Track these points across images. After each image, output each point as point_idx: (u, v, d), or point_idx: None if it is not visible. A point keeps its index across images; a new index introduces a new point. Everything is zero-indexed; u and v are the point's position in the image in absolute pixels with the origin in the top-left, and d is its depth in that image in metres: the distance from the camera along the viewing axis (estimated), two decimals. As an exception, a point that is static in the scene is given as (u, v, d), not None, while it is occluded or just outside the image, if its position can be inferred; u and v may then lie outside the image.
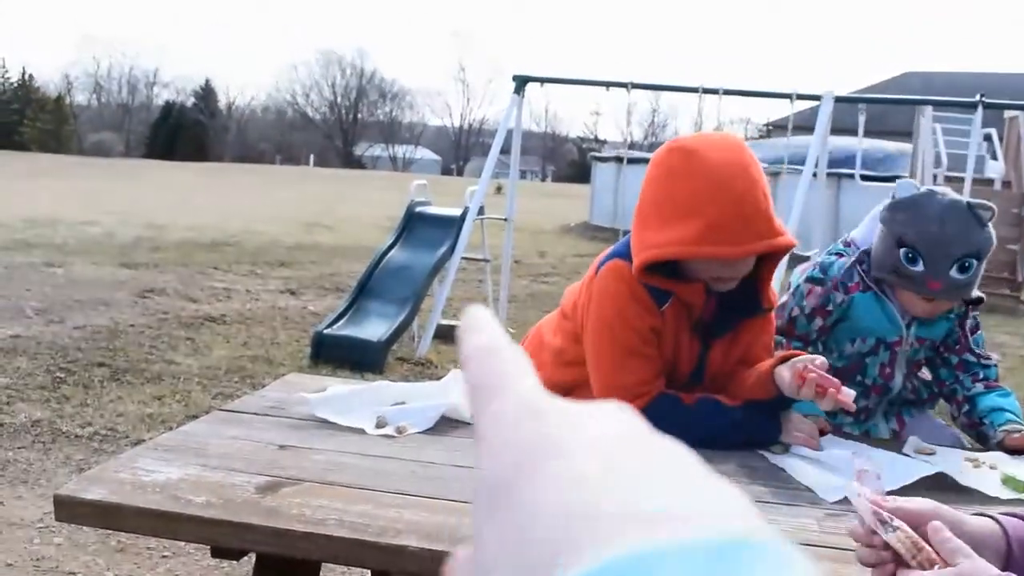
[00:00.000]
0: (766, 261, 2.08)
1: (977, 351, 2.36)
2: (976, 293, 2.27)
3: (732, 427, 1.97)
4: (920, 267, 2.17)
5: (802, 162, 6.91)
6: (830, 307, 2.31)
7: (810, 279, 2.34)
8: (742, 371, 2.14)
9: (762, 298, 2.13)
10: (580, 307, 2.14)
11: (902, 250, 2.19)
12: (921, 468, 1.81)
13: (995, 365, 2.39)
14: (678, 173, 1.96)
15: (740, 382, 2.11)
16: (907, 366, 2.37)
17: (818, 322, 2.33)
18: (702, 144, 1.98)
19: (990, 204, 2.18)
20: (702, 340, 2.11)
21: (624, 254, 2.07)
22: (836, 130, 7.04)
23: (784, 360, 2.00)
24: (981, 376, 2.34)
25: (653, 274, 2.00)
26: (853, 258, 2.33)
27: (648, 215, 2.00)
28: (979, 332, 2.40)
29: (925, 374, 2.44)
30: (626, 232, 2.17)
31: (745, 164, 1.95)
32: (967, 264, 2.14)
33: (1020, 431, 2.15)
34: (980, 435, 2.28)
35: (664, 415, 1.97)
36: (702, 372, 2.14)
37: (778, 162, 8.64)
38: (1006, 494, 1.81)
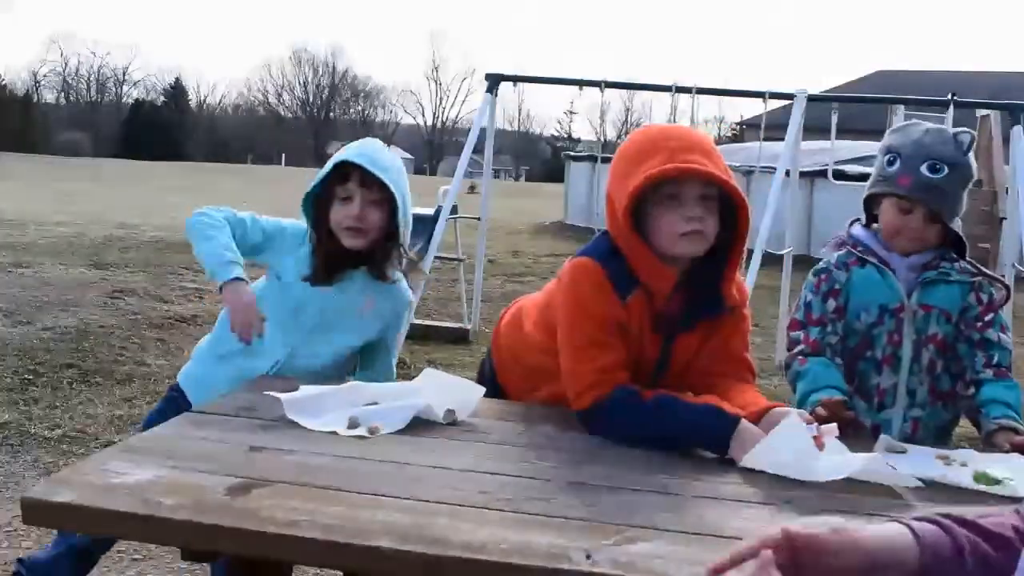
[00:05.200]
0: (729, 260, 2.13)
1: (997, 331, 2.35)
2: (956, 229, 2.36)
3: (685, 430, 1.94)
4: (896, 166, 2.36)
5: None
6: (837, 286, 2.43)
7: (816, 272, 2.48)
8: (730, 385, 2.15)
9: (726, 297, 2.15)
10: (553, 307, 2.21)
11: (886, 156, 2.40)
12: (891, 477, 1.81)
13: (1010, 349, 2.36)
14: (628, 140, 2.14)
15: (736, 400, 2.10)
16: (917, 335, 2.37)
17: (832, 303, 2.43)
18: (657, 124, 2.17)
19: (971, 132, 2.42)
20: (665, 333, 2.15)
21: (591, 252, 2.14)
22: (809, 129, 7.06)
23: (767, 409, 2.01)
24: (995, 360, 2.32)
25: (639, 245, 2.07)
26: (843, 239, 2.49)
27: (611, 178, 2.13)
28: (1001, 311, 2.41)
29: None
30: (600, 231, 2.20)
31: (691, 132, 2.13)
32: (938, 167, 2.31)
33: (1018, 430, 2.15)
34: (977, 423, 2.31)
35: (622, 409, 2.00)
36: (667, 364, 2.18)
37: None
38: (978, 488, 1.81)
